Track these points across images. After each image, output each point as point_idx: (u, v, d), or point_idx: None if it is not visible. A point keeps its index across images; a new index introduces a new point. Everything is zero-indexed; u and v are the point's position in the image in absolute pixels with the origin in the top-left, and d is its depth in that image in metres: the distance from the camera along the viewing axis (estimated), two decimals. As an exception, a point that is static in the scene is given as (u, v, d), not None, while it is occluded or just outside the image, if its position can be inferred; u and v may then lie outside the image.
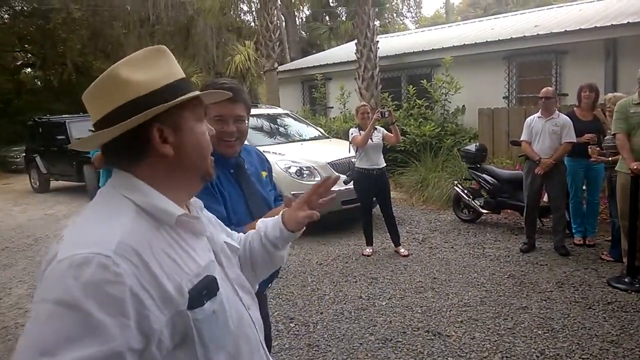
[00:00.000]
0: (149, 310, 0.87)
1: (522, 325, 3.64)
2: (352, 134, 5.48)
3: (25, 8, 21.13)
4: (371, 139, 5.34)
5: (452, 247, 5.66)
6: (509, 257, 5.22)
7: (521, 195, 5.73)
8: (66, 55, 20.33)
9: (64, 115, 13.12)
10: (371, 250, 5.58)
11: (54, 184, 12.24)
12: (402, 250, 5.57)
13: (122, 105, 0.97)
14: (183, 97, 1.01)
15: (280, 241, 1.31)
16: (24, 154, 13.53)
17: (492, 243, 5.75)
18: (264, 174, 2.11)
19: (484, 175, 6.47)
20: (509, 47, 9.16)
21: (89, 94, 1.02)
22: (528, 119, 5.39)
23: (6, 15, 21.85)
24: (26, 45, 22.75)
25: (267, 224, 1.34)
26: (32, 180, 12.40)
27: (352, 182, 5.63)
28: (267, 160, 2.23)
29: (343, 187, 6.28)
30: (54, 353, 0.78)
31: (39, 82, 24.65)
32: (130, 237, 0.90)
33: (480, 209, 6.44)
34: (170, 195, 1.02)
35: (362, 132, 5.34)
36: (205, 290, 0.98)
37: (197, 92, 1.05)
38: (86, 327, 0.80)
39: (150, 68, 1.01)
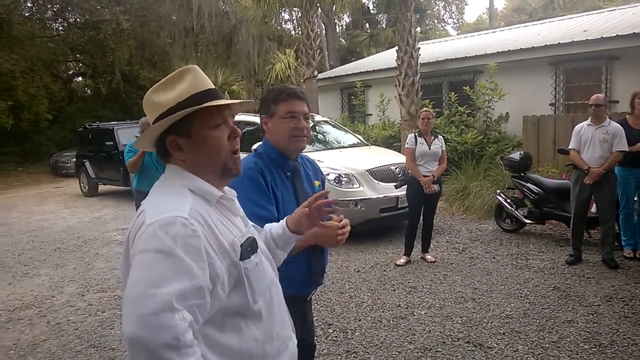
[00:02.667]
0: (214, 259, 1.16)
1: (568, 340, 3.52)
2: (409, 140, 5.42)
3: (78, 20, 22.15)
4: (429, 147, 5.31)
5: (494, 258, 5.54)
6: (553, 269, 5.06)
7: (568, 205, 5.55)
8: (115, 64, 21.14)
9: (112, 122, 13.68)
10: (405, 261, 5.49)
11: (101, 188, 12.70)
12: (428, 256, 5.52)
13: (155, 119, 1.28)
14: (177, 114, 1.23)
15: (280, 239, 1.55)
16: (74, 159, 14.09)
17: (536, 254, 5.59)
18: (317, 183, 2.15)
19: (529, 185, 6.30)
20: (556, 53, 8.91)
21: (143, 107, 1.33)
22: (577, 127, 5.22)
23: (60, 28, 22.98)
24: (78, 55, 23.82)
25: (276, 224, 1.59)
26: (82, 184, 12.89)
27: (405, 188, 5.59)
28: (322, 172, 2.28)
29: (381, 195, 6.30)
30: (160, 285, 1.04)
31: (89, 90, 25.76)
32: (195, 206, 1.19)
33: (524, 219, 6.27)
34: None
35: (422, 139, 5.32)
36: (250, 247, 1.28)
37: (194, 108, 1.24)
38: (179, 268, 1.08)
39: (173, 89, 1.27)
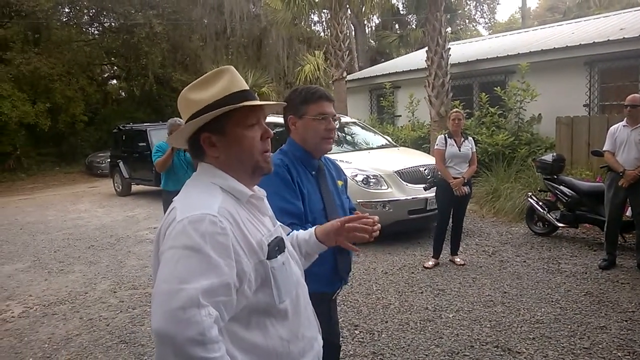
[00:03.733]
0: (242, 258, 1.18)
1: (600, 346, 3.43)
2: (439, 141, 5.36)
3: (113, 24, 22.75)
4: (459, 148, 5.23)
5: (525, 261, 5.43)
6: (586, 273, 4.93)
7: (602, 208, 5.39)
8: (148, 67, 21.63)
9: (145, 124, 14.00)
10: (433, 263, 5.44)
11: (134, 187, 13.01)
12: (457, 259, 5.46)
13: (190, 117, 1.31)
14: (215, 111, 1.26)
15: (306, 245, 1.56)
16: (108, 160, 14.49)
17: (568, 258, 5.45)
18: (340, 183, 2.19)
19: (561, 187, 6.15)
20: (591, 52, 8.68)
21: (178, 106, 1.36)
22: (612, 128, 5.07)
23: (96, 32, 23.66)
24: (113, 59, 24.45)
25: (303, 231, 1.61)
26: (115, 184, 13.24)
27: (434, 190, 5.53)
28: (344, 172, 2.31)
29: (409, 197, 6.26)
30: (188, 281, 1.07)
31: (123, 93, 26.44)
32: (225, 204, 1.22)
33: (556, 223, 6.13)
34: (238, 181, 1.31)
35: (452, 140, 5.26)
36: (277, 246, 1.30)
37: (232, 106, 1.27)
38: (207, 265, 1.10)
39: (208, 88, 1.30)
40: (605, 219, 5.13)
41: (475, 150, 5.42)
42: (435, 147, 5.39)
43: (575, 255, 5.56)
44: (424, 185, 5.93)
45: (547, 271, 5.06)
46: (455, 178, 5.18)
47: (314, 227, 1.58)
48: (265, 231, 1.30)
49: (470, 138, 5.43)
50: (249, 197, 1.30)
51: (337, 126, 2.06)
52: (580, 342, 3.50)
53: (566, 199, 6.06)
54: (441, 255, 5.58)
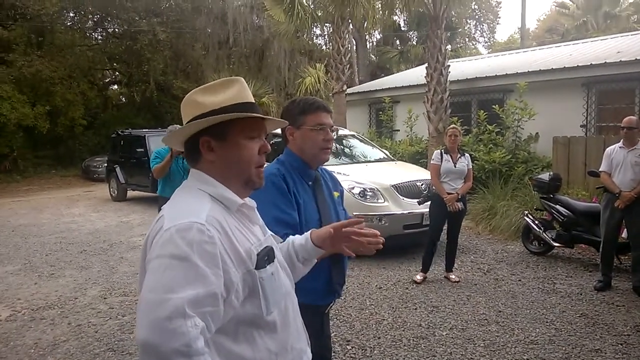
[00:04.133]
0: (229, 267, 1.16)
1: (595, 369, 3.39)
2: (435, 156, 5.37)
3: (116, 30, 22.87)
4: (455, 164, 5.24)
5: (520, 280, 5.40)
6: (581, 294, 4.90)
7: (597, 229, 5.39)
8: (150, 73, 21.70)
9: (144, 130, 14.00)
10: (422, 278, 5.41)
11: (130, 193, 12.95)
12: (452, 276, 5.43)
13: (192, 118, 1.29)
14: (223, 115, 1.26)
15: (303, 250, 1.53)
16: (105, 164, 14.44)
17: (563, 279, 5.43)
18: (336, 194, 2.18)
19: (558, 207, 6.15)
20: (588, 74, 8.75)
21: (181, 107, 1.35)
22: (608, 149, 5.09)
23: (99, 37, 23.77)
24: (115, 64, 24.55)
25: (299, 236, 1.58)
26: (111, 189, 13.20)
27: (428, 204, 5.52)
28: (340, 183, 2.30)
29: (405, 211, 6.24)
30: (174, 291, 1.05)
31: (123, 98, 26.48)
32: (213, 212, 1.19)
33: (552, 242, 6.11)
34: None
35: (448, 155, 5.27)
36: (266, 256, 1.27)
37: (240, 114, 1.27)
38: (194, 274, 1.08)
39: (218, 94, 1.30)
40: (601, 239, 5.12)
41: (471, 167, 5.42)
42: (431, 162, 5.40)
43: (571, 275, 5.53)
44: (418, 200, 5.94)
45: (542, 291, 5.03)
46: (449, 194, 5.18)
47: (309, 232, 1.56)
48: (255, 240, 1.28)
49: (467, 155, 5.43)
50: (239, 206, 1.29)
51: (334, 137, 2.05)
52: (574, 364, 3.47)
53: (562, 218, 6.05)
54: (435, 272, 5.55)
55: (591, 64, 8.74)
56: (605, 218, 5.00)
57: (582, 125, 8.97)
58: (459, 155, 5.31)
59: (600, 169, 5.11)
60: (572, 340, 3.86)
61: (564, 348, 3.73)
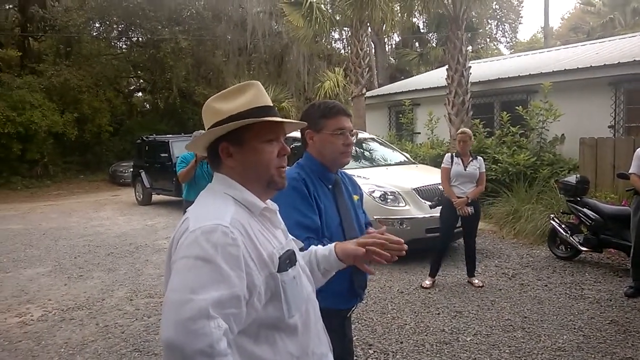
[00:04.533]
0: (252, 270, 1.17)
1: (625, 377, 3.30)
2: (446, 159, 5.32)
3: (140, 39, 23.35)
4: (465, 168, 5.17)
5: (546, 286, 5.29)
6: (611, 300, 4.77)
7: (628, 233, 5.23)
8: (172, 81, 22.12)
9: (167, 135, 14.25)
10: (431, 282, 5.34)
11: (155, 197, 13.18)
12: (475, 281, 5.34)
13: (212, 125, 1.32)
14: (236, 122, 1.27)
15: (325, 262, 1.52)
16: (131, 169, 14.75)
17: (591, 284, 5.30)
18: (356, 197, 2.17)
19: (585, 210, 6.00)
20: (616, 73, 8.54)
21: (202, 114, 1.38)
22: (638, 150, 4.95)
23: (124, 46, 24.31)
24: (139, 72, 25.08)
25: (322, 247, 1.58)
26: (137, 193, 13.44)
27: (439, 209, 5.46)
28: (359, 186, 2.30)
29: (427, 215, 6.18)
30: (197, 292, 1.06)
31: (147, 105, 27.02)
32: (237, 216, 1.22)
33: (579, 246, 5.97)
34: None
35: (459, 159, 5.21)
36: (288, 260, 1.28)
37: (253, 119, 1.29)
38: (218, 276, 1.10)
39: (235, 99, 1.32)
40: (632, 244, 4.97)
41: (484, 170, 5.30)
42: (442, 165, 5.35)
43: (599, 281, 5.39)
44: (430, 203, 5.86)
45: (569, 296, 4.92)
46: (459, 197, 5.12)
47: (333, 244, 1.55)
48: (277, 244, 1.29)
49: (479, 158, 5.33)
50: (261, 210, 1.31)
51: (354, 141, 2.05)
52: (603, 371, 3.38)
53: (590, 222, 5.91)
54: (458, 276, 5.49)
55: (619, 62, 8.53)
56: (636, 221, 4.85)
57: (610, 126, 8.76)
58: (470, 159, 5.23)
59: (630, 171, 4.96)
60: (602, 347, 3.76)
61: (593, 356, 3.63)
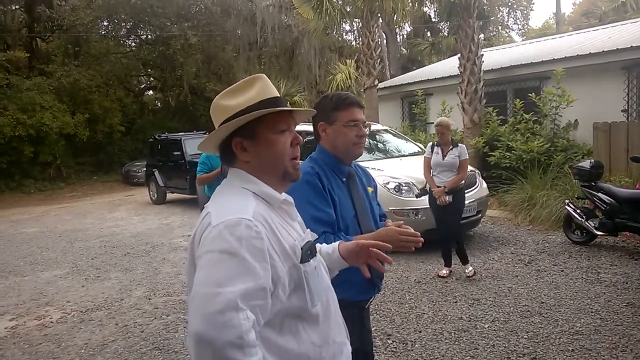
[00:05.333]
0: (276, 261, 1.19)
1: (645, 360, 3.30)
2: (427, 148, 5.40)
3: (149, 36, 23.39)
4: (443, 157, 5.17)
5: (562, 271, 5.28)
6: (627, 283, 4.75)
7: (644, 217, 5.20)
8: (183, 78, 22.12)
9: (179, 133, 14.29)
10: (448, 272, 5.34)
11: (169, 196, 13.26)
12: (467, 270, 5.27)
13: (222, 123, 1.33)
14: (247, 115, 1.29)
15: (328, 259, 1.53)
16: (144, 169, 14.80)
17: (607, 268, 5.27)
18: (370, 189, 2.18)
19: (600, 195, 5.96)
20: (629, 57, 8.42)
21: (210, 113, 1.39)
22: (652, 134, 4.91)
23: (133, 44, 24.37)
24: (149, 70, 25.11)
25: (326, 245, 1.60)
26: (151, 193, 13.51)
27: (427, 198, 5.46)
28: (373, 178, 2.30)
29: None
30: (224, 285, 1.08)
31: (158, 103, 27.09)
32: (258, 209, 1.23)
33: (595, 231, 5.94)
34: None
35: (439, 148, 5.23)
36: (309, 250, 1.31)
37: (263, 110, 1.30)
38: (244, 268, 1.11)
39: (242, 94, 1.33)
40: (648, 227, 4.94)
41: (465, 158, 5.18)
42: (424, 155, 5.39)
43: (615, 264, 5.37)
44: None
45: (586, 281, 4.91)
46: (438, 187, 5.12)
47: (337, 242, 1.58)
48: (297, 236, 1.31)
49: (460, 146, 5.24)
50: (280, 203, 1.33)
51: (367, 133, 2.06)
52: (622, 355, 3.38)
53: (605, 206, 5.87)
54: (475, 264, 5.49)
55: (631, 46, 8.40)
56: (652, 205, 4.83)
57: (623, 110, 8.65)
58: (450, 147, 5.19)
59: (644, 155, 4.93)
60: (619, 330, 3.76)
61: (610, 338, 3.63)
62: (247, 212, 1.19)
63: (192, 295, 1.11)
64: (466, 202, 6.27)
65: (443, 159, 5.18)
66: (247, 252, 1.12)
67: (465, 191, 6.46)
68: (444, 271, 5.37)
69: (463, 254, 5.32)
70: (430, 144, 5.39)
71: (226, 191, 1.33)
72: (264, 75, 1.39)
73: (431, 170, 5.27)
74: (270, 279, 1.15)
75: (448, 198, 5.09)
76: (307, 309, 1.28)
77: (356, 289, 1.97)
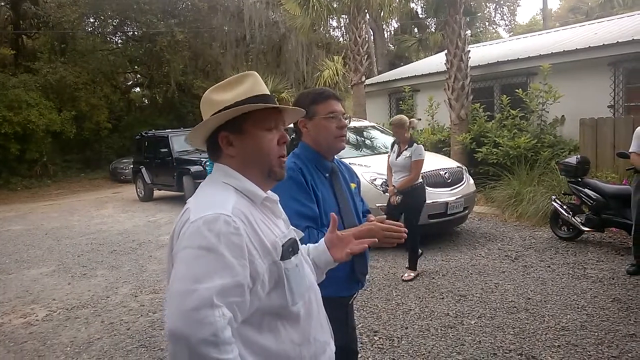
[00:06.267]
0: (255, 258, 1.18)
1: (630, 355, 3.31)
2: (390, 148, 5.44)
3: (136, 33, 23.18)
4: (397, 157, 5.20)
5: (549, 267, 5.30)
6: (613, 279, 4.79)
7: (629, 212, 5.23)
8: (170, 75, 21.99)
9: (167, 130, 14.20)
10: (413, 275, 5.15)
11: (156, 193, 13.17)
12: (405, 275, 5.17)
13: (210, 116, 1.31)
14: (236, 108, 1.28)
15: (314, 250, 1.53)
16: (131, 166, 14.72)
17: (594, 263, 5.31)
18: (353, 185, 2.17)
19: (586, 190, 6.00)
20: (614, 52, 8.47)
21: (200, 107, 1.38)
22: (638, 129, 4.91)
23: (120, 41, 24.16)
24: (136, 67, 24.93)
25: (321, 233, 1.62)
26: (138, 190, 13.43)
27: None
28: (356, 174, 2.29)
29: (430, 201, 6.17)
30: (201, 281, 1.07)
31: (145, 100, 26.88)
32: (239, 205, 1.22)
33: (582, 227, 5.98)
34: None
35: (397, 147, 5.25)
36: (291, 248, 1.30)
37: (252, 105, 1.29)
38: (221, 265, 1.10)
39: (233, 89, 1.33)
40: (633, 222, 4.97)
41: (416, 159, 5.06)
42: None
43: (602, 260, 5.41)
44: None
45: (572, 276, 4.94)
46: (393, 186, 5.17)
47: (323, 238, 1.57)
48: (279, 232, 1.30)
49: (415, 146, 5.11)
50: (262, 200, 1.31)
51: (348, 124, 2.04)
52: (608, 350, 3.40)
53: (591, 202, 5.91)
54: (462, 261, 5.50)
55: (617, 41, 8.46)
56: (637, 200, 4.84)
57: (609, 106, 8.72)
58: (406, 147, 5.13)
59: (630, 150, 4.93)
60: (605, 325, 3.78)
61: (596, 334, 3.65)
62: (226, 207, 1.18)
63: (169, 291, 1.10)
64: (452, 198, 6.33)
65: (396, 158, 5.18)
66: (225, 248, 1.11)
67: (453, 187, 6.50)
68: (407, 275, 5.18)
69: (412, 259, 5.19)
70: (392, 141, 5.41)
71: (207, 186, 1.32)
72: (255, 72, 1.39)
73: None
74: (248, 276, 1.14)
75: (398, 198, 5.06)
76: (288, 307, 1.26)
77: (339, 285, 1.96)
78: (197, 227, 1.14)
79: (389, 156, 5.35)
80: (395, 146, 5.25)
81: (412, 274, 5.17)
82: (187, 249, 1.13)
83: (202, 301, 1.05)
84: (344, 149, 2.07)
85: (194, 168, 10.96)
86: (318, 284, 1.47)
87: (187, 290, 1.06)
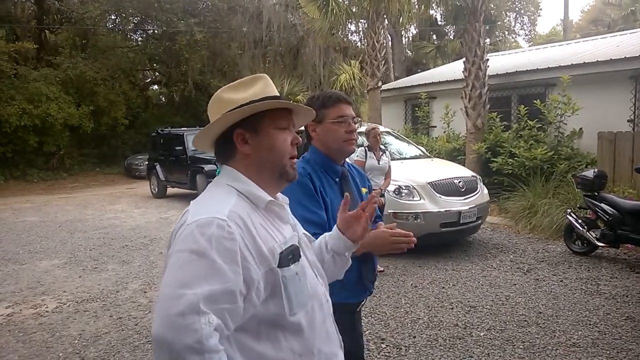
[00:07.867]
0: (250, 264, 1.14)
1: (642, 375, 3.25)
2: (360, 153, 5.62)
3: (156, 31, 23.43)
4: (377, 161, 5.58)
5: (561, 281, 5.22)
6: (627, 296, 4.70)
7: (646, 229, 5.15)
8: (188, 73, 22.17)
9: (182, 128, 14.31)
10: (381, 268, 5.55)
11: (170, 190, 13.28)
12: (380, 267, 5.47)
13: (224, 114, 1.29)
14: (258, 104, 1.27)
15: (330, 239, 1.50)
16: (146, 162, 14.84)
17: (608, 280, 5.22)
18: (364, 190, 2.15)
19: (602, 205, 5.91)
20: (637, 66, 8.35)
21: (209, 107, 1.36)
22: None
23: (140, 39, 24.42)
24: (154, 65, 25.17)
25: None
26: (152, 186, 13.54)
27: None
28: (368, 179, 2.28)
29: (442, 209, 6.14)
30: (189, 286, 1.04)
31: (163, 98, 27.13)
32: (236, 209, 1.18)
33: (596, 242, 5.88)
34: (260, 186, 1.29)
35: (372, 153, 5.62)
36: (291, 255, 1.24)
37: (270, 101, 1.29)
38: (211, 270, 1.07)
39: (245, 90, 1.32)
40: (650, 240, 4.89)
41: (390, 164, 5.79)
42: (355, 158, 5.57)
43: (616, 276, 5.31)
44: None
45: (585, 292, 4.86)
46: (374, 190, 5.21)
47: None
48: (281, 238, 1.25)
49: (388, 152, 5.85)
50: (267, 203, 1.27)
51: (357, 128, 2.03)
52: (619, 368, 3.33)
53: (607, 217, 5.81)
54: (473, 271, 5.43)
55: None
56: (654, 217, 4.77)
57: (629, 120, 8.59)
58: (381, 153, 5.68)
59: (648, 166, 4.88)
60: (618, 344, 3.71)
61: (608, 352, 3.58)
62: (222, 211, 1.15)
63: (158, 295, 1.08)
64: (466, 207, 6.29)
65: (378, 163, 5.62)
66: (217, 253, 1.08)
67: (467, 196, 6.47)
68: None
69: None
70: (362, 148, 5.67)
71: (211, 188, 1.31)
72: (267, 75, 1.38)
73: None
74: (241, 282, 1.10)
75: (383, 199, 5.48)
76: (285, 317, 1.21)
77: (346, 292, 1.93)
78: (191, 231, 1.12)
79: (362, 162, 5.54)
80: (369, 152, 5.64)
81: (380, 267, 5.49)
82: (178, 253, 1.11)
83: (187, 307, 1.02)
84: (353, 151, 2.05)
85: (207, 167, 11.03)
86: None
87: (174, 295, 1.04)
